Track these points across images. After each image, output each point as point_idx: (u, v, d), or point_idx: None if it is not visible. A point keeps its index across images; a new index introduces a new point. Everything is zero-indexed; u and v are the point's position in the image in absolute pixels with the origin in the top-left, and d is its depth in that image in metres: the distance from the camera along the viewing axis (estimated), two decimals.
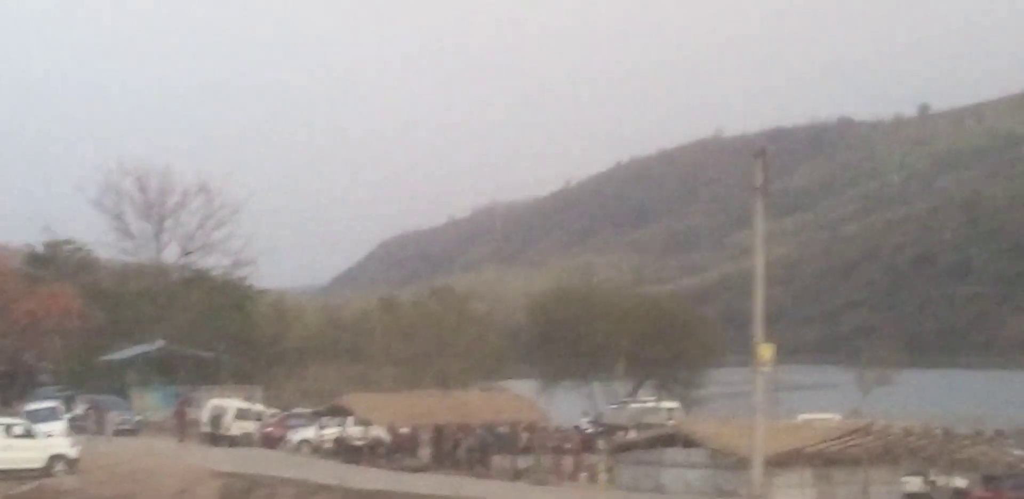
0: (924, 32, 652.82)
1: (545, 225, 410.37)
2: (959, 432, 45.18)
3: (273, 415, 70.82)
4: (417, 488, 43.22)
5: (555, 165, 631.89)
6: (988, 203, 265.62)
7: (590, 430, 68.19)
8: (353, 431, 60.28)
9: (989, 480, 46.04)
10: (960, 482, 47.40)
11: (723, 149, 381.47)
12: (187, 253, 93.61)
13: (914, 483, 46.03)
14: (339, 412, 60.17)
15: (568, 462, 54.02)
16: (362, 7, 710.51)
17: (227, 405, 69.16)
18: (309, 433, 63.39)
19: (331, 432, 61.95)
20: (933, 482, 46.04)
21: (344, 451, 58.65)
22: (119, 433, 64.94)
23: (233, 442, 65.29)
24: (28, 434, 51.75)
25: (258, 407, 71.84)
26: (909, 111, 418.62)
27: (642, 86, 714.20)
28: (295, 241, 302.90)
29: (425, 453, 58.27)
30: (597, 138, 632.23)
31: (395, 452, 57.88)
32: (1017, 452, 50.24)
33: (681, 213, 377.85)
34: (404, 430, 59.48)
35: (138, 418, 71.82)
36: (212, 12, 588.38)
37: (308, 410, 69.31)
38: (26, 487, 49.26)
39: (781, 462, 40.66)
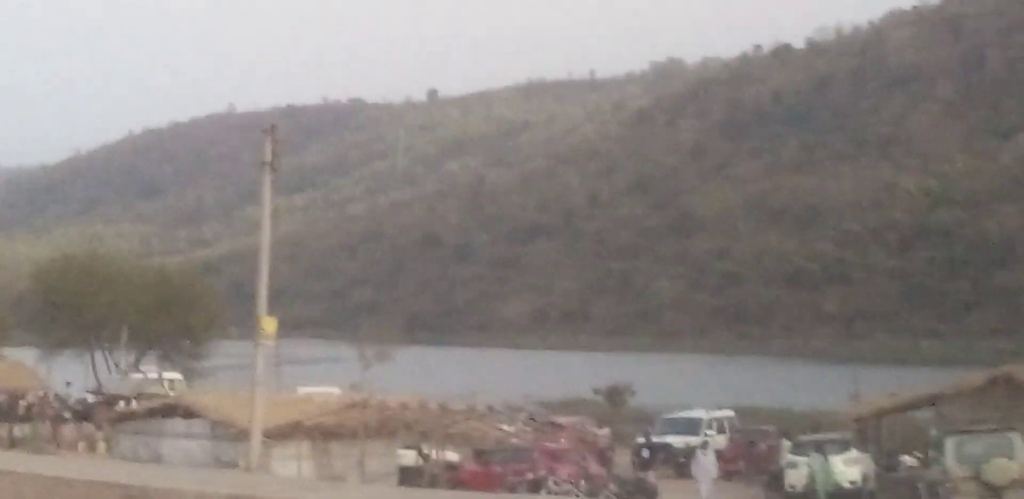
0: (434, 20, 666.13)
1: (53, 193, 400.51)
2: (453, 408, 46.71)
3: None
4: None
5: (64, 132, 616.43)
6: (490, 188, 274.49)
7: (92, 400, 67.45)
8: None
9: (480, 454, 47.96)
10: (453, 456, 49.25)
11: (235, 124, 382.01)
12: None
13: (409, 456, 47.47)
14: None
15: (67, 431, 53.63)
16: None
17: None
18: None
19: None
20: (427, 456, 47.60)
21: None
22: None
23: None
24: None
25: None
26: (419, 96, 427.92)
27: (154, 57, 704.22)
28: None
29: None
30: (109, 107, 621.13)
31: None
32: (506, 427, 52.47)
33: (192, 186, 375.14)
34: None
35: None
36: None
37: None
38: None
39: (280, 434, 41.31)
